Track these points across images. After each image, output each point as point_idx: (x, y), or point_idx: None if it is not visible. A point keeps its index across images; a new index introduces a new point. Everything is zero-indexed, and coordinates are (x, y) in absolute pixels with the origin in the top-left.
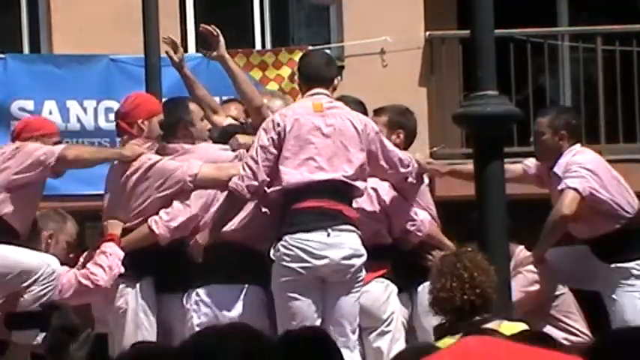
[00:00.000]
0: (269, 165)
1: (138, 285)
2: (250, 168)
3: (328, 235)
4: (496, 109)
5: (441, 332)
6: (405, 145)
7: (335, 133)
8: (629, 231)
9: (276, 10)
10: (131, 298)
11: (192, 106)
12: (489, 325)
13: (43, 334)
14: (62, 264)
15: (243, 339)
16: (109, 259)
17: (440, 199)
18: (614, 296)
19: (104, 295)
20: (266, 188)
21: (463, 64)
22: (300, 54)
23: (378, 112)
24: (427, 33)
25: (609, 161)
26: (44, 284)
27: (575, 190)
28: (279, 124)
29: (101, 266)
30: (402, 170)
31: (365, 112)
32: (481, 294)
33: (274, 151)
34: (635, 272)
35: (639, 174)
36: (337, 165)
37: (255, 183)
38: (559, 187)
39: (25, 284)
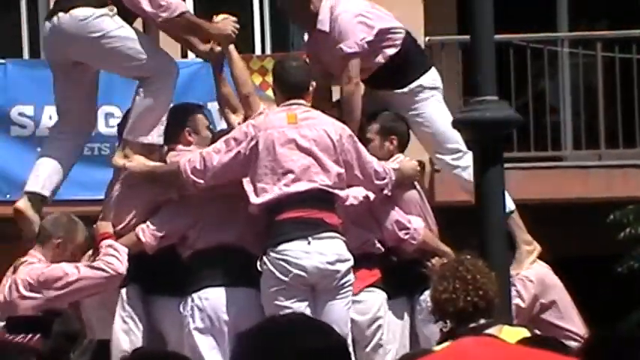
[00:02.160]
0: (224, 175)
1: (123, 291)
2: (205, 164)
3: (309, 243)
4: (496, 115)
5: (441, 337)
6: (399, 151)
7: (310, 144)
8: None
9: (276, 15)
10: (117, 304)
11: (199, 114)
12: (490, 331)
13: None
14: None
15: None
16: (118, 249)
17: (440, 204)
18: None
19: (115, 285)
20: (250, 200)
21: (463, 70)
22: None
23: (370, 118)
24: (427, 38)
25: (609, 167)
26: (162, 83)
27: (354, 54)
28: (252, 139)
29: (114, 255)
30: (377, 182)
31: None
32: (484, 296)
33: (239, 164)
34: (426, 85)
35: (638, 179)
36: (314, 175)
37: (201, 182)
38: (340, 54)
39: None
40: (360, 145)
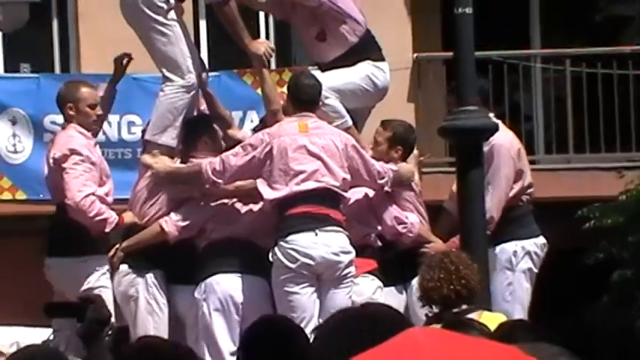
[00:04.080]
0: (241, 176)
1: (148, 275)
2: (224, 166)
3: (316, 234)
4: (476, 123)
5: (428, 321)
6: (402, 159)
7: (319, 150)
8: None
9: (280, 34)
10: (142, 288)
11: (214, 124)
12: (471, 316)
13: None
14: (93, 134)
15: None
16: (103, 210)
17: (427, 202)
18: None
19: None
20: (264, 196)
21: (447, 83)
22: None
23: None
24: (415, 55)
25: (577, 169)
26: (178, 92)
27: None
28: (267, 145)
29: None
30: (380, 181)
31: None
32: (466, 285)
33: (255, 166)
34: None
35: (603, 180)
36: (322, 176)
37: (221, 181)
38: None
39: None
40: (363, 151)
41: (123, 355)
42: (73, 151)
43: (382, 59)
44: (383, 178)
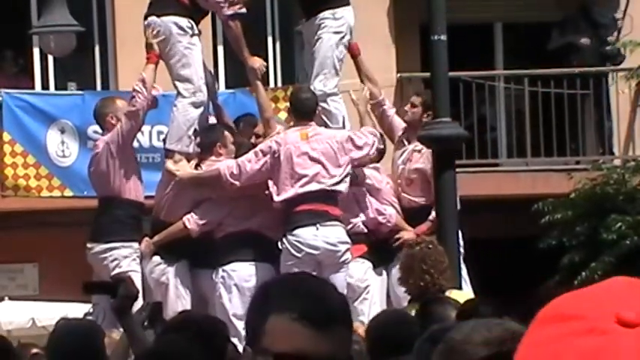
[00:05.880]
0: (254, 178)
1: (176, 265)
2: (240, 170)
3: (317, 228)
4: (449, 132)
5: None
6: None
7: (319, 155)
8: None
9: (285, 57)
10: (171, 276)
11: (227, 132)
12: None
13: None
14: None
15: None
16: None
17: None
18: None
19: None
20: (274, 197)
21: None
22: None
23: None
24: (398, 74)
25: (533, 171)
26: (189, 106)
27: None
28: (275, 152)
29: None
30: (368, 150)
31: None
32: (439, 289)
33: (266, 170)
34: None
35: (555, 180)
36: (322, 179)
37: (237, 183)
38: None
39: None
40: (349, 142)
41: (170, 326)
42: None
43: (342, 5)
44: (361, 148)
